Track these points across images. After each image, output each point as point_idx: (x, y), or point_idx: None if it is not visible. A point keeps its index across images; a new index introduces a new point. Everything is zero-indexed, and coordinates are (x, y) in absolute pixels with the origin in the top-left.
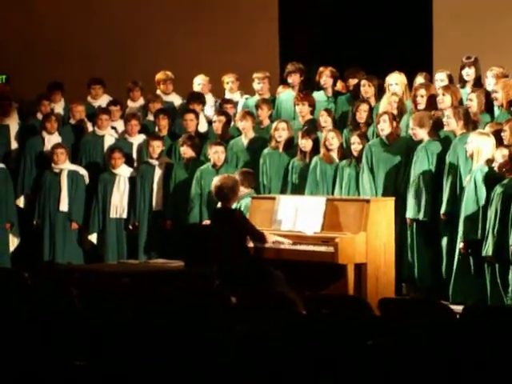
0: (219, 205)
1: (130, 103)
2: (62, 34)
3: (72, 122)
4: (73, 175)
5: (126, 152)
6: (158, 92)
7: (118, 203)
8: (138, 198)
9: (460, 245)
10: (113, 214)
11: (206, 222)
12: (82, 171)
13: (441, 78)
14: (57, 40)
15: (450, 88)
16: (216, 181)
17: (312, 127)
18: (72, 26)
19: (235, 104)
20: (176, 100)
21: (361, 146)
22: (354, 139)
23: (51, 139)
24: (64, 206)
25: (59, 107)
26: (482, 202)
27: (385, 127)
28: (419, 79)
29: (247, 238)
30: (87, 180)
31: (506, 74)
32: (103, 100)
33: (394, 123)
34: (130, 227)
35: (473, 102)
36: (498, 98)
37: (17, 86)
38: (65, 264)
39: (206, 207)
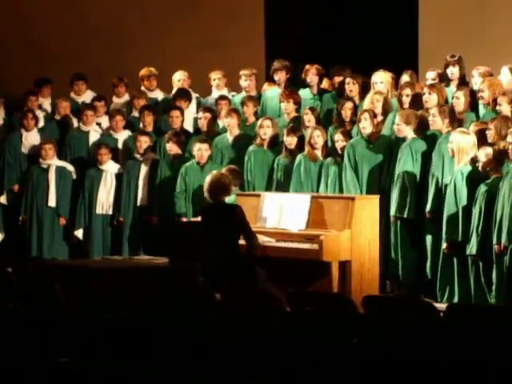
0: (211, 201)
1: (114, 99)
2: (49, 31)
3: (57, 117)
4: (61, 171)
5: (112, 148)
6: (142, 88)
7: (105, 199)
8: (124, 193)
9: (444, 245)
10: (99, 210)
11: (197, 218)
12: (70, 167)
13: (431, 77)
14: (45, 37)
15: (436, 86)
16: (209, 178)
17: (297, 124)
18: (59, 23)
19: (229, 101)
20: (160, 96)
21: (345, 144)
22: (338, 137)
23: (28, 136)
24: (52, 202)
25: (47, 102)
26: (463, 203)
27: (366, 125)
28: (405, 77)
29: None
30: (74, 176)
31: (492, 73)
32: (87, 96)
33: (375, 121)
34: (115, 223)
35: (459, 100)
36: (484, 97)
37: (5, 82)
38: (50, 260)
39: (190, 204)
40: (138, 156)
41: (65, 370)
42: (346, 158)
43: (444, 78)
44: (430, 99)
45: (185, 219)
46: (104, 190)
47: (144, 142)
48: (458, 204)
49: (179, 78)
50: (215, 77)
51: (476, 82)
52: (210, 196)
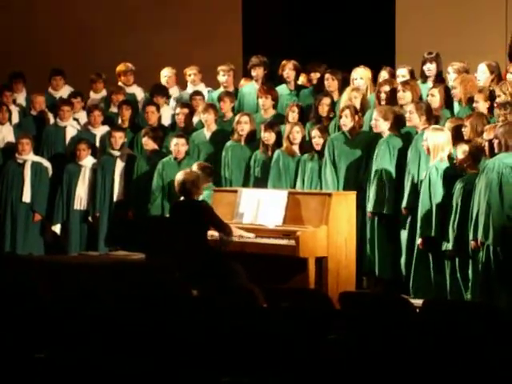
0: (182, 198)
1: (92, 95)
2: (24, 25)
3: (33, 113)
4: (36, 167)
5: (91, 143)
6: (120, 84)
7: (83, 195)
8: (99, 189)
9: (418, 241)
10: (77, 206)
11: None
12: (46, 163)
13: (402, 74)
14: (19, 30)
15: (409, 83)
16: (178, 176)
17: (275, 120)
18: (35, 17)
19: (203, 96)
20: (137, 92)
21: (322, 140)
22: (315, 133)
23: (3, 130)
24: (27, 197)
25: (21, 97)
26: (438, 198)
27: (347, 122)
28: (383, 74)
29: (208, 232)
30: (50, 172)
31: (467, 69)
32: (64, 91)
33: (356, 117)
34: (90, 219)
35: (434, 98)
36: (457, 94)
37: None
38: (26, 255)
39: (167, 199)
40: (113, 151)
41: (40, 366)
42: (327, 153)
43: (421, 75)
44: (404, 96)
45: None
46: (82, 185)
47: (119, 137)
48: (432, 200)
49: (166, 75)
50: (190, 72)
51: (451, 78)
52: (181, 194)
